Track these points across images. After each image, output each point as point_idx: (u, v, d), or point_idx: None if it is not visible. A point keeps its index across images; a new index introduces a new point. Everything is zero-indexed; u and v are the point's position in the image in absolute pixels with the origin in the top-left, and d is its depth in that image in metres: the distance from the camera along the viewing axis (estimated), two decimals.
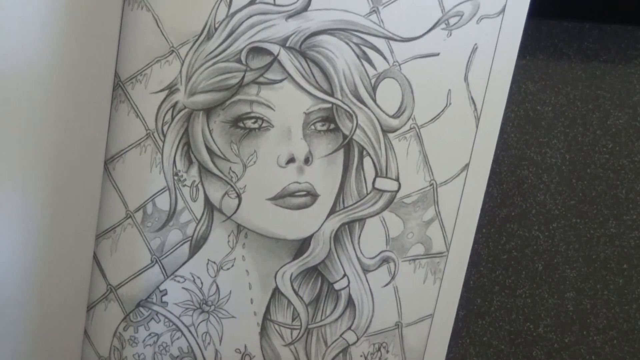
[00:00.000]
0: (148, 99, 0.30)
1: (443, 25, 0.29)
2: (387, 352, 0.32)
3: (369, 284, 0.31)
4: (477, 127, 0.30)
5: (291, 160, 0.30)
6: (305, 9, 0.29)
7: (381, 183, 0.31)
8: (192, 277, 0.32)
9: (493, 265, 0.44)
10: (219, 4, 0.29)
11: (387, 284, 0.32)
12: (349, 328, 0.32)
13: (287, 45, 0.29)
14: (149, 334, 0.32)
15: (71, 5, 0.25)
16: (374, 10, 0.29)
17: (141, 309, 0.32)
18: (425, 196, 0.31)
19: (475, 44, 0.29)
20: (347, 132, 0.30)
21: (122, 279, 0.32)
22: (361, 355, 0.32)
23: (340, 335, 0.32)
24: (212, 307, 0.32)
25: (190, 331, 0.32)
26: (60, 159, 0.27)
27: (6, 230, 0.27)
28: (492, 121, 0.30)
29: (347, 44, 0.29)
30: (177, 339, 0.32)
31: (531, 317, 0.44)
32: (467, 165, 0.31)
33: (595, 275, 0.45)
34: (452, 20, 0.29)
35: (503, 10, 0.29)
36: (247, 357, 0.32)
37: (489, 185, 0.45)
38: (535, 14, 0.48)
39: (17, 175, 0.27)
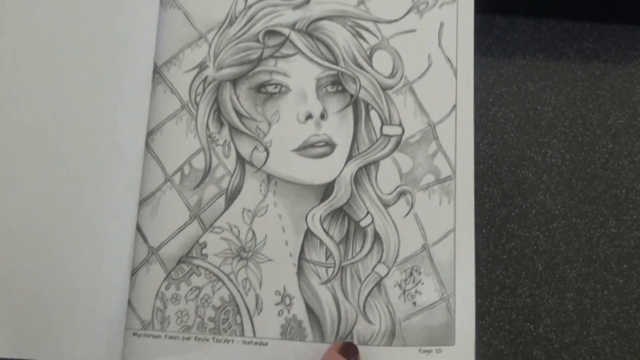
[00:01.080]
0: (182, 77, 0.35)
1: (415, 10, 0.37)
2: (420, 274, 0.35)
3: (391, 217, 0.35)
4: (455, 77, 0.37)
5: (309, 116, 0.35)
6: (307, 1, 0.37)
7: (387, 129, 0.36)
8: (230, 226, 0.34)
9: (493, 265, 0.44)
10: None
11: (407, 214, 0.35)
12: (380, 261, 0.35)
13: (296, 28, 0.36)
14: (191, 289, 0.34)
15: (118, 10, 0.33)
16: (361, 2, 0.37)
17: (182, 265, 0.34)
18: (426, 134, 0.36)
19: (441, 21, 0.37)
20: (352, 92, 0.36)
21: (163, 239, 0.34)
22: (395, 285, 0.34)
23: (373, 270, 0.35)
24: (250, 253, 0.34)
25: (230, 279, 0.34)
26: (107, 136, 0.32)
27: (54, 200, 0.31)
28: (466, 72, 0.37)
29: (344, 26, 0.36)
30: (219, 289, 0.34)
31: (531, 317, 0.44)
32: (454, 107, 0.37)
33: (595, 275, 0.45)
34: (421, 7, 0.37)
35: None
36: (287, 298, 0.34)
37: (489, 185, 0.45)
38: (535, 14, 0.49)
39: (71, 152, 0.32)
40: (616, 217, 0.46)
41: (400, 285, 0.34)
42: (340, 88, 0.36)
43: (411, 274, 0.35)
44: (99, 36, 0.33)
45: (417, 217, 0.35)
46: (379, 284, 0.34)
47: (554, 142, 0.47)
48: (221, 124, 0.35)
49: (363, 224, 0.35)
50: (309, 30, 0.36)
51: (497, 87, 0.47)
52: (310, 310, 0.34)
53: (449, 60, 0.37)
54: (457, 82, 0.37)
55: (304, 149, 0.35)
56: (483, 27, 0.48)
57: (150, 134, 0.35)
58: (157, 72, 0.35)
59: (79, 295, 0.31)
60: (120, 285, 0.32)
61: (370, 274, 0.34)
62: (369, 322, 0.34)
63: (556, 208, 0.45)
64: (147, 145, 0.34)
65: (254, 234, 0.34)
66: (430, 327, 0.34)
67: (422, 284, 0.35)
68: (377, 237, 0.35)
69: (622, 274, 0.45)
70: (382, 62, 0.36)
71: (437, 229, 0.35)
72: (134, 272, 0.33)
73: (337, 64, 0.36)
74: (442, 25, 0.37)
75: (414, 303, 0.34)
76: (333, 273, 0.34)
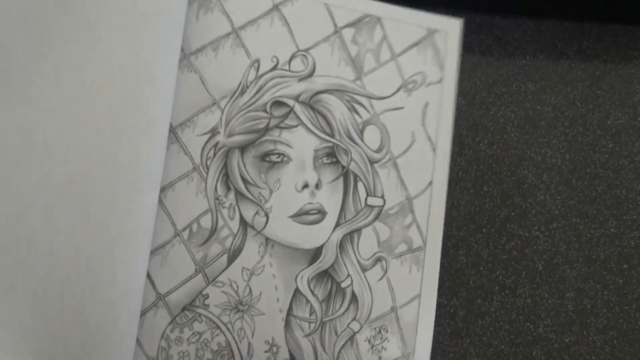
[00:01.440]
0: (195, 140, 0.39)
1: (404, 89, 0.41)
2: (387, 332, 0.39)
3: (367, 280, 0.40)
4: (434, 155, 0.41)
5: (305, 186, 0.39)
6: (311, 74, 0.40)
7: (371, 201, 0.40)
8: (230, 282, 0.38)
9: (493, 265, 0.44)
10: (250, 69, 0.40)
11: (381, 278, 0.40)
12: (354, 319, 0.39)
13: (300, 100, 0.40)
14: (193, 333, 0.38)
15: (137, 73, 0.36)
16: (358, 78, 0.41)
17: (186, 312, 0.38)
18: (404, 207, 0.40)
19: (426, 101, 0.41)
20: (344, 164, 0.40)
21: (170, 287, 0.38)
22: (365, 340, 0.39)
23: (347, 326, 0.39)
24: (247, 307, 0.38)
25: (227, 328, 0.38)
26: (123, 189, 0.35)
27: (74, 246, 0.34)
28: (444, 152, 0.41)
29: (341, 100, 0.41)
30: (217, 335, 0.38)
31: (531, 317, 0.44)
32: (430, 183, 0.41)
33: (595, 275, 0.45)
34: (410, 86, 0.41)
35: (441, 79, 0.42)
36: (274, 347, 0.38)
37: (489, 185, 0.45)
38: (535, 14, 0.48)
39: (88, 205, 0.34)
40: (616, 217, 0.46)
41: (369, 341, 0.39)
42: (334, 160, 0.40)
43: (380, 331, 0.39)
44: (121, 94, 0.35)
45: (389, 281, 0.40)
46: (352, 338, 0.39)
47: (554, 142, 0.47)
48: (228, 189, 0.39)
49: (343, 285, 0.39)
50: (311, 103, 0.40)
51: (497, 87, 0.47)
52: (292, 358, 0.38)
53: (429, 138, 0.41)
54: (435, 159, 0.41)
55: (299, 215, 0.39)
56: (483, 27, 0.48)
57: (163, 189, 0.38)
58: (172, 132, 0.38)
59: (93, 333, 0.35)
60: (130, 324, 0.36)
61: (345, 329, 0.39)
62: None
63: (556, 208, 0.45)
64: (160, 201, 0.38)
65: (250, 290, 0.38)
66: None
67: (388, 341, 0.39)
68: (354, 297, 0.39)
69: (622, 274, 0.45)
70: (372, 137, 0.41)
71: (405, 294, 0.40)
72: (142, 314, 0.37)
73: (333, 136, 0.40)
74: (426, 104, 0.41)
75: (379, 357, 0.39)
76: (315, 327, 0.39)
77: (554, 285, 0.44)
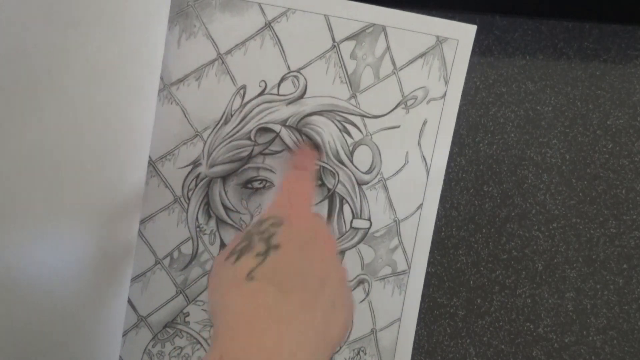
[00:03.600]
0: (176, 172, 0.38)
1: (403, 105, 0.39)
2: (365, 354, 0.40)
3: None
4: (427, 177, 0.40)
5: None
6: (301, 96, 0.38)
7: (357, 223, 0.40)
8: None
9: (493, 265, 0.44)
10: (235, 96, 0.37)
11: (363, 300, 0.40)
12: None
13: (287, 124, 0.38)
14: (174, 348, 0.39)
15: (112, 107, 0.34)
16: (353, 96, 0.39)
17: (168, 329, 0.39)
18: (391, 230, 0.40)
19: (425, 118, 0.40)
20: (330, 187, 0.39)
21: (151, 309, 0.39)
22: None
23: None
24: None
25: (208, 343, 0.39)
26: (101, 224, 0.35)
27: (63, 277, 0.35)
28: (438, 173, 0.40)
29: (332, 121, 0.39)
30: (197, 350, 0.39)
31: (531, 317, 0.44)
32: (421, 205, 0.40)
33: (595, 275, 0.45)
34: (409, 102, 0.39)
35: (444, 94, 0.40)
36: None
37: (489, 185, 0.45)
38: (535, 14, 0.48)
39: (71, 237, 0.35)
40: (616, 217, 0.46)
41: None
42: (319, 183, 0.39)
43: (358, 353, 0.40)
44: (96, 129, 0.34)
45: (370, 304, 0.40)
46: (331, 359, 0.39)
47: (554, 142, 0.47)
48: (209, 217, 0.39)
49: None
50: (299, 126, 0.38)
51: (497, 87, 0.47)
52: None
53: (424, 159, 0.40)
54: (427, 182, 0.40)
55: None
56: (483, 27, 0.48)
57: (143, 222, 0.38)
58: (152, 165, 0.37)
59: (77, 355, 0.36)
60: (112, 345, 0.37)
61: None
62: None
63: (556, 208, 0.45)
64: (140, 232, 0.38)
65: None
66: None
67: None
68: None
69: (622, 274, 0.45)
70: (362, 158, 0.39)
71: (386, 317, 0.40)
72: (124, 334, 0.38)
73: (319, 159, 0.39)
74: (425, 122, 0.40)
75: None
76: None
77: (554, 285, 0.44)
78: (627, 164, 0.47)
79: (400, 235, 0.40)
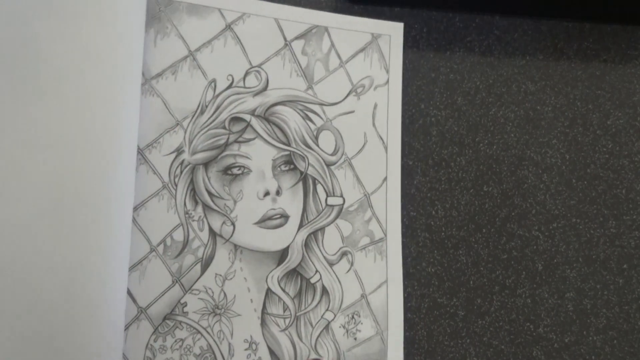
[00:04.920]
0: (162, 160, 0.41)
1: (354, 93, 0.44)
2: (359, 316, 0.42)
3: (335, 274, 0.43)
4: (386, 152, 0.44)
5: (267, 193, 0.42)
6: (265, 88, 0.43)
7: (331, 200, 0.43)
8: (205, 288, 0.41)
9: (493, 265, 0.44)
10: (207, 89, 0.42)
11: (348, 270, 0.43)
12: (327, 309, 0.42)
13: (255, 114, 0.43)
14: (175, 340, 0.40)
15: (102, 101, 0.37)
16: (309, 87, 0.44)
17: (167, 321, 0.40)
18: (363, 203, 0.44)
19: (375, 102, 0.45)
20: (302, 170, 0.43)
21: (150, 300, 0.40)
22: (340, 326, 0.42)
23: (322, 316, 0.42)
24: (223, 310, 0.41)
25: (207, 332, 0.40)
26: (97, 211, 0.37)
27: (59, 270, 0.36)
28: (394, 148, 0.45)
29: (295, 109, 0.43)
30: (198, 340, 0.40)
31: (531, 317, 0.44)
32: (385, 178, 0.44)
33: (595, 275, 0.45)
34: (359, 90, 0.45)
35: (387, 81, 0.45)
36: (253, 344, 0.41)
37: (489, 185, 0.45)
38: (535, 14, 0.49)
39: (65, 230, 0.36)
40: (616, 217, 0.46)
41: (344, 326, 0.42)
42: (292, 166, 0.43)
43: (352, 317, 0.42)
44: (89, 122, 0.37)
45: (356, 272, 0.43)
46: (327, 327, 0.42)
47: (554, 142, 0.47)
48: (196, 203, 0.41)
49: (313, 280, 0.42)
50: (267, 115, 0.43)
51: (497, 87, 0.47)
52: (272, 352, 0.41)
53: (380, 137, 0.44)
54: (387, 156, 0.44)
55: (263, 221, 0.42)
56: (483, 27, 0.48)
57: (135, 209, 0.40)
58: (140, 153, 0.41)
59: (80, 351, 0.36)
60: (115, 339, 0.38)
61: (319, 320, 0.42)
62: (319, 355, 0.42)
63: (556, 208, 0.45)
64: (134, 219, 0.40)
65: (225, 294, 0.41)
66: (368, 354, 0.42)
67: (362, 324, 0.42)
68: (324, 290, 0.42)
69: (622, 274, 0.45)
70: (327, 141, 0.44)
71: (373, 281, 0.43)
72: (126, 328, 0.39)
73: (289, 145, 0.43)
74: (375, 106, 0.45)
75: (355, 338, 0.42)
76: (290, 322, 0.41)
77: (554, 285, 0.44)
78: (627, 164, 0.47)
79: (372, 207, 0.44)
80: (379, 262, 0.43)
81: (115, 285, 0.38)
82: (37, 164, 0.36)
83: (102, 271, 0.37)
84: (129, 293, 0.40)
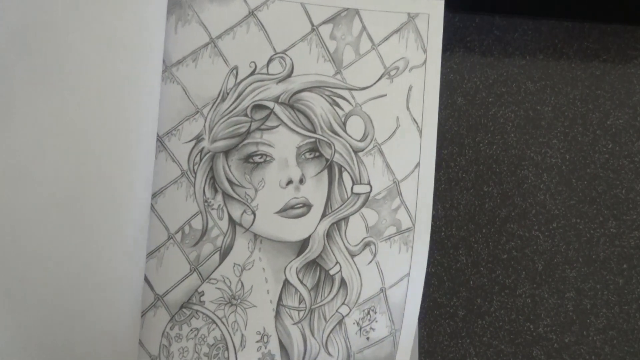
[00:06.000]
0: (181, 147, 0.40)
1: (387, 76, 0.41)
2: (375, 312, 0.41)
3: (356, 265, 0.41)
4: (420, 137, 0.41)
5: (290, 182, 0.40)
6: (289, 75, 0.41)
7: (357, 189, 0.41)
8: (223, 278, 0.40)
9: (493, 265, 0.44)
10: (229, 76, 0.41)
11: (370, 262, 0.41)
12: (343, 303, 0.41)
13: (279, 101, 0.41)
14: (191, 329, 0.40)
15: (123, 88, 0.38)
16: (338, 72, 0.41)
17: (184, 309, 0.40)
18: (391, 191, 0.41)
19: (410, 85, 0.42)
20: (328, 157, 0.41)
21: (167, 287, 0.40)
22: (354, 323, 0.41)
23: (336, 310, 0.41)
24: (239, 300, 0.40)
25: (222, 322, 0.40)
26: (115, 197, 0.37)
27: (74, 257, 0.36)
28: (430, 132, 0.41)
29: (321, 96, 0.41)
30: (213, 329, 0.40)
31: (531, 317, 0.44)
32: (418, 164, 0.41)
33: (595, 275, 0.45)
34: (392, 72, 0.42)
35: (425, 61, 0.42)
36: (265, 336, 0.40)
37: (489, 185, 0.45)
38: (535, 14, 0.49)
39: (84, 215, 0.37)
40: (616, 217, 0.46)
41: (358, 323, 0.41)
42: (317, 154, 0.41)
43: (368, 312, 0.41)
44: (109, 109, 0.38)
45: (378, 264, 0.41)
46: (340, 322, 0.41)
47: (554, 142, 0.47)
48: (216, 191, 0.40)
49: (332, 272, 0.41)
50: (291, 102, 0.41)
51: (497, 87, 0.47)
52: (282, 346, 0.40)
53: (415, 121, 0.41)
54: (421, 141, 0.41)
55: (285, 210, 0.40)
56: (483, 27, 0.48)
57: (154, 196, 0.40)
58: (160, 141, 0.40)
59: (97, 337, 0.37)
60: (132, 326, 0.38)
61: (334, 314, 0.41)
62: (329, 354, 0.41)
63: (556, 208, 0.45)
64: (152, 207, 0.40)
65: (242, 284, 0.40)
66: (378, 358, 0.41)
67: (377, 321, 0.41)
68: (343, 282, 0.41)
69: (622, 274, 0.45)
70: (355, 127, 0.41)
71: (394, 274, 0.41)
72: (143, 314, 0.39)
73: (314, 131, 0.41)
74: (410, 88, 0.42)
75: (367, 338, 0.41)
76: (304, 315, 0.40)
77: (554, 285, 0.44)
78: (627, 164, 0.47)
79: (401, 194, 0.41)
80: (403, 254, 0.41)
81: (133, 271, 0.38)
82: (59, 150, 0.36)
83: (120, 257, 0.37)
84: (147, 280, 0.39)
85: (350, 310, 0.41)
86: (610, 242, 0.45)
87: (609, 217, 0.46)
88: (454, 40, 0.47)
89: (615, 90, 0.48)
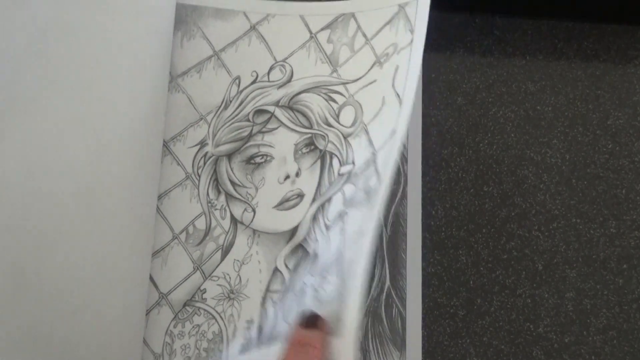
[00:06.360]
0: (186, 152, 0.42)
1: (378, 64, 0.42)
2: (330, 274, 0.41)
3: (329, 237, 0.41)
4: (400, 107, 0.40)
5: (287, 177, 0.42)
6: (289, 80, 0.43)
7: (343, 169, 0.42)
8: (224, 275, 0.41)
9: (493, 265, 0.44)
10: (232, 85, 0.43)
11: (340, 231, 0.41)
12: (309, 274, 0.41)
13: (279, 104, 0.43)
14: (193, 326, 0.40)
15: (131, 97, 0.41)
16: (334, 71, 0.43)
17: (187, 307, 0.40)
18: (368, 162, 0.41)
19: (397, 65, 0.42)
20: (322, 148, 0.42)
21: (171, 286, 0.41)
22: (311, 288, 0.41)
23: (303, 282, 0.41)
24: (236, 294, 0.41)
25: (221, 317, 0.41)
26: (122, 199, 0.39)
27: (86, 254, 0.38)
28: (408, 98, 0.40)
29: (318, 94, 0.43)
30: (212, 325, 0.41)
31: (531, 317, 0.44)
32: (394, 130, 0.40)
33: (595, 275, 0.45)
34: (382, 59, 0.42)
35: (411, 41, 0.42)
36: (250, 323, 0.41)
37: (488, 185, 0.45)
38: (535, 14, 0.49)
39: (93, 216, 0.38)
40: (616, 217, 0.46)
41: (315, 288, 0.41)
42: (312, 147, 0.43)
43: (325, 277, 0.41)
44: (118, 116, 0.40)
45: (343, 230, 0.41)
46: (302, 290, 0.41)
47: (554, 142, 0.47)
48: (219, 192, 0.42)
49: (310, 250, 0.41)
50: (291, 104, 0.43)
51: (497, 87, 0.47)
52: (260, 329, 0.40)
53: (397, 95, 0.41)
54: (400, 110, 0.40)
55: (281, 204, 0.42)
56: (483, 27, 0.48)
57: (160, 197, 0.42)
58: (166, 146, 0.42)
59: (102, 335, 0.38)
60: (136, 324, 0.39)
61: (300, 286, 0.41)
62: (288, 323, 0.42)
63: (556, 208, 0.45)
64: (158, 208, 0.41)
65: (240, 278, 0.41)
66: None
67: (329, 282, 0.41)
68: (315, 256, 0.41)
69: (622, 274, 0.45)
70: (347, 116, 0.43)
71: (355, 235, 0.41)
72: (147, 313, 0.40)
73: (311, 127, 0.43)
74: (397, 68, 0.42)
75: (319, 300, 0.41)
76: (281, 296, 0.41)
77: (554, 285, 0.44)
78: (627, 164, 0.47)
79: (375, 162, 0.40)
80: (365, 213, 0.39)
81: (139, 270, 0.39)
82: (72, 151, 0.39)
83: (126, 256, 0.39)
84: (151, 279, 0.40)
85: (313, 279, 0.41)
86: (610, 242, 0.45)
87: (609, 217, 0.46)
88: (454, 40, 0.47)
89: (615, 90, 0.48)
